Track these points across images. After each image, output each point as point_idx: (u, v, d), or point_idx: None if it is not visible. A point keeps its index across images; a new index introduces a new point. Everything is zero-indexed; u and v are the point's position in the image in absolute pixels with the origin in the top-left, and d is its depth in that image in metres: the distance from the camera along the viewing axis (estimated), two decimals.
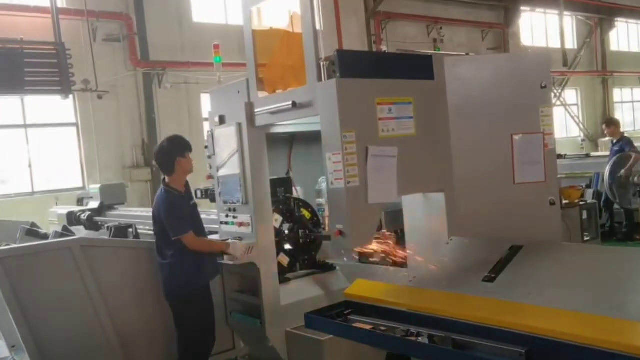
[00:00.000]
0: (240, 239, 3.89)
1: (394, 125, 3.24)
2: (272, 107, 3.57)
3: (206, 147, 4.30)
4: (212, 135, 4.19)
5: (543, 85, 3.77)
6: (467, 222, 3.53)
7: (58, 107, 9.86)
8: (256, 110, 3.76)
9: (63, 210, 6.69)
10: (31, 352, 3.51)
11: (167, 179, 3.86)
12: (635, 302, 2.27)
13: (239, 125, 3.88)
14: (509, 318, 2.35)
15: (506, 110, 3.68)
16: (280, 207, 4.28)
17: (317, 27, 3.31)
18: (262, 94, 3.78)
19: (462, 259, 3.06)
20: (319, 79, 3.18)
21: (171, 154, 3.81)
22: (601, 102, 19.92)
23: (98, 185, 6.79)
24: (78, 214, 6.27)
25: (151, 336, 3.81)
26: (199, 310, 3.74)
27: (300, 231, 4.30)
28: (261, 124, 3.81)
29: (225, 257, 3.83)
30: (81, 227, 6.17)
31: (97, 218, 6.15)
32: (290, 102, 3.36)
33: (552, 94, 12.80)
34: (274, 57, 3.82)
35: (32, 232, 5.10)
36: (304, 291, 4.08)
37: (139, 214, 5.82)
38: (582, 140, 18.14)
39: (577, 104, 19.44)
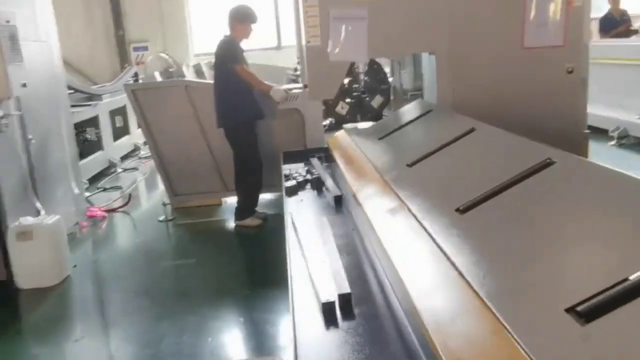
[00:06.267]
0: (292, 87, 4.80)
1: None
2: None
3: None
4: None
5: None
6: (463, 89, 3.62)
7: None
8: None
9: None
10: (155, 157, 5.41)
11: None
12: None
13: None
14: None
15: None
16: None
17: None
18: None
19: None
20: None
21: (232, 17, 4.71)
22: None
23: None
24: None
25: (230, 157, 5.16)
26: (243, 139, 4.82)
27: (355, 85, 4.89)
28: None
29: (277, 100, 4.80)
30: None
31: None
32: None
33: None
34: None
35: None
36: None
37: None
38: None
39: None
